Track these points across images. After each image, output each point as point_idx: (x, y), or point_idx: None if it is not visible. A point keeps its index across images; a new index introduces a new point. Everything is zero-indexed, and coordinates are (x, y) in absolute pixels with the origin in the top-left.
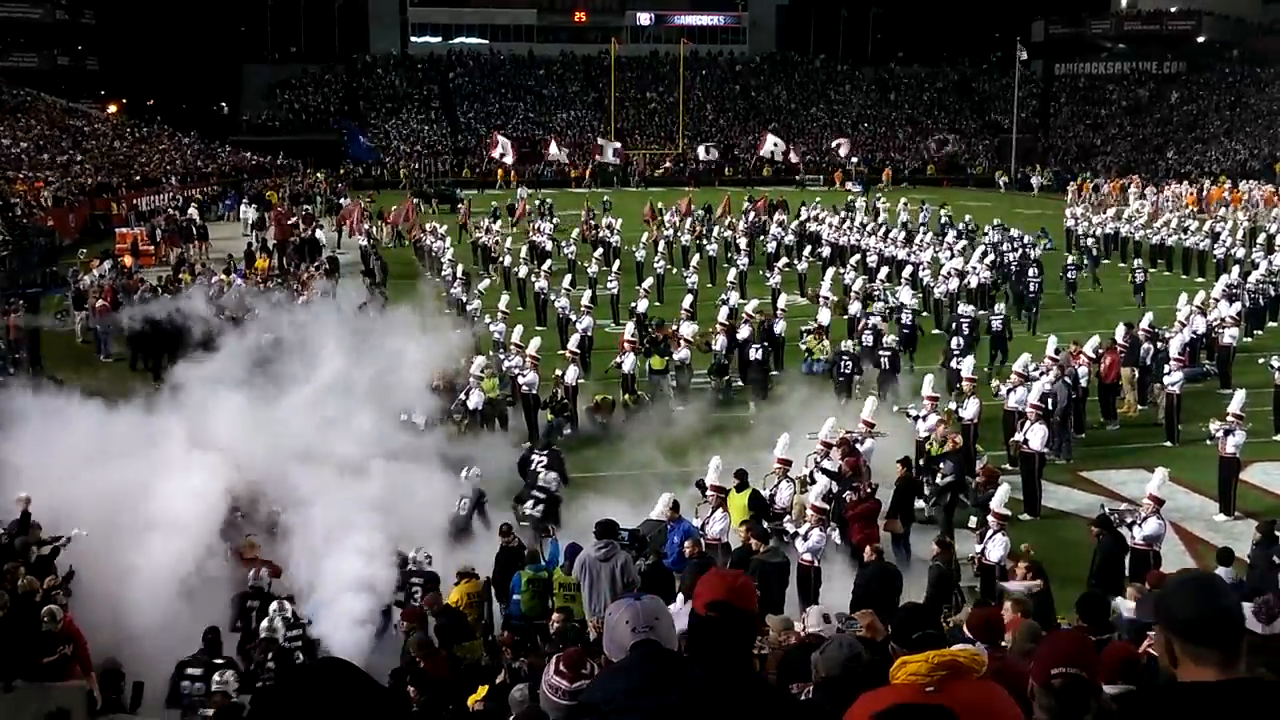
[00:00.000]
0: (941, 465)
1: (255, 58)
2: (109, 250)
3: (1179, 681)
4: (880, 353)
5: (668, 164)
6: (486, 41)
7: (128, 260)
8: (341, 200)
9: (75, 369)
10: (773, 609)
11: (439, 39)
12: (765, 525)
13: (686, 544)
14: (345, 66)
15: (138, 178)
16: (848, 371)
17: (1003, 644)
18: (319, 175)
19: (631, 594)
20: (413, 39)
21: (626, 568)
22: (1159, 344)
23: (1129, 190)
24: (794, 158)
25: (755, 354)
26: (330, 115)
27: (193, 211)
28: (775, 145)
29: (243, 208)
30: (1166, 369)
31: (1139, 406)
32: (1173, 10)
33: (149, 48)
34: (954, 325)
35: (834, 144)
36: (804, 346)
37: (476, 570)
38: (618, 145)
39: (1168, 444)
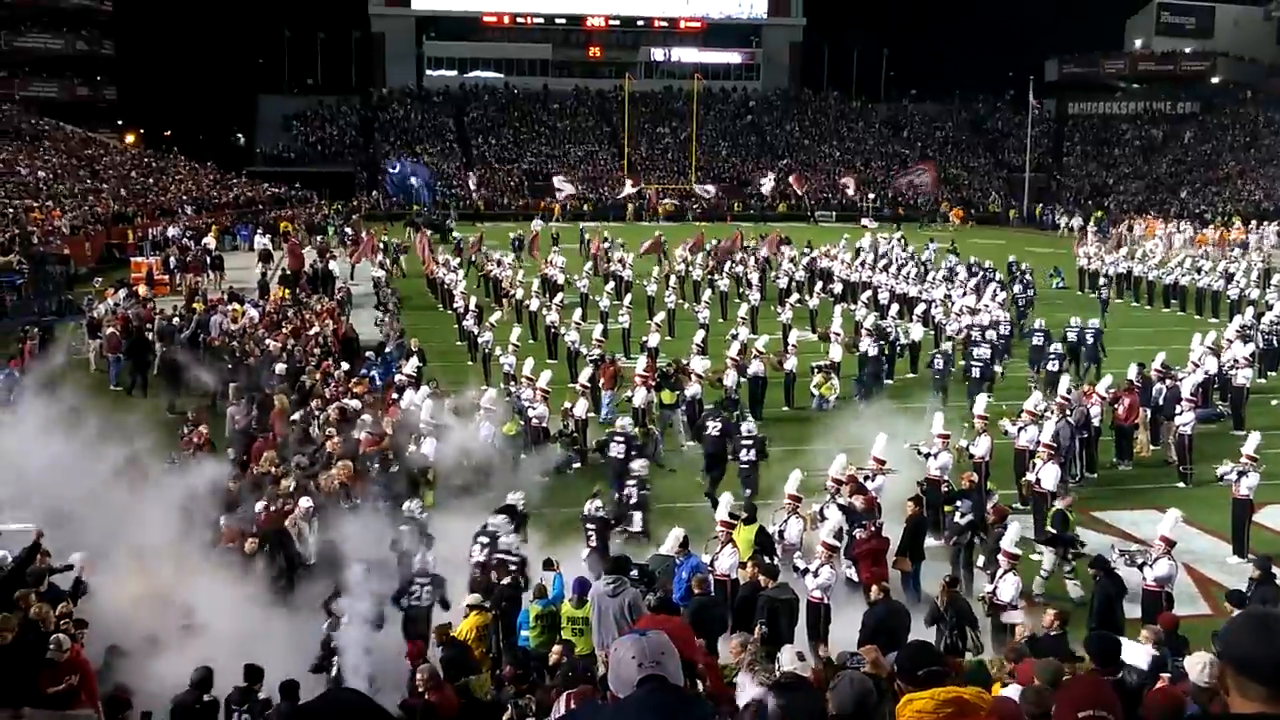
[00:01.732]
0: (959, 504)
1: (272, 89)
2: (124, 279)
3: (1228, 713)
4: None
5: (667, 201)
6: (502, 76)
7: (142, 289)
8: (345, 230)
9: (86, 397)
10: (782, 645)
11: (454, 73)
12: (774, 561)
13: (694, 580)
14: (361, 99)
15: (154, 208)
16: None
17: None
18: (336, 206)
19: (637, 630)
20: (428, 73)
21: (634, 605)
22: (1171, 384)
23: (1135, 230)
24: (799, 189)
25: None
26: (346, 148)
27: (208, 241)
28: (770, 182)
29: (257, 238)
30: (1179, 409)
31: (1151, 447)
32: (1187, 51)
33: (167, 79)
34: (965, 367)
35: (840, 182)
36: (813, 386)
37: (486, 603)
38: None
39: (1180, 485)
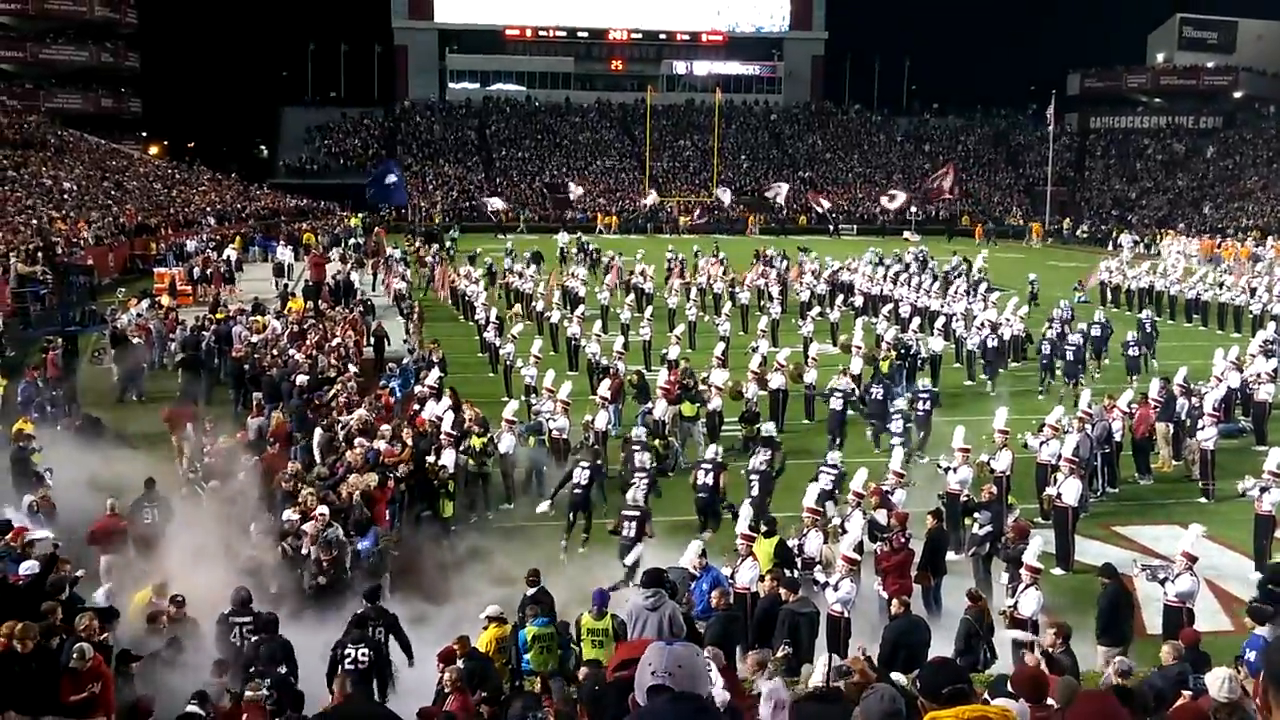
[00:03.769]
0: (978, 515)
1: (295, 101)
2: (147, 290)
3: None
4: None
5: (685, 215)
6: (524, 88)
7: (165, 300)
8: (358, 241)
9: (111, 407)
10: (802, 659)
11: (477, 85)
12: (794, 574)
13: (714, 594)
14: (384, 111)
15: (177, 219)
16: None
17: (1048, 702)
18: (357, 219)
19: (668, 639)
20: (451, 85)
21: (674, 617)
22: (1194, 399)
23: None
24: (825, 204)
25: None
26: (368, 160)
27: (230, 252)
28: (783, 191)
29: (279, 250)
30: (1201, 424)
31: (1174, 462)
32: (1210, 65)
33: (191, 91)
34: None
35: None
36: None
37: (505, 615)
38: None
39: (1202, 500)
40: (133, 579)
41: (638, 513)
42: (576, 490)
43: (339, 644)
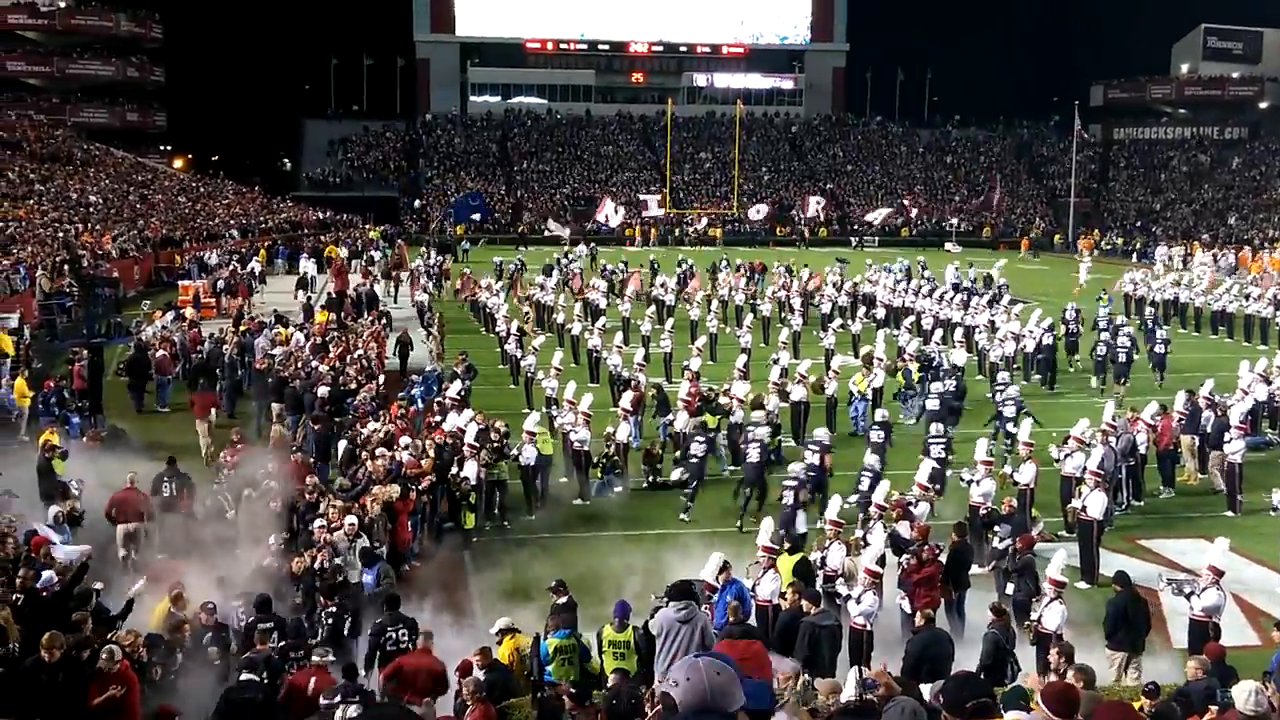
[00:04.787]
0: (999, 528)
1: (317, 115)
2: (171, 302)
3: None
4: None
5: (697, 227)
6: (545, 101)
7: (189, 312)
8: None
9: (134, 418)
10: (824, 672)
11: (498, 98)
12: (817, 588)
13: (729, 606)
14: (405, 124)
15: (202, 232)
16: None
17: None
18: (376, 231)
19: (700, 653)
20: (472, 98)
21: (706, 629)
22: (1219, 412)
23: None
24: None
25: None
26: (390, 173)
27: (254, 265)
28: (819, 204)
29: (302, 262)
30: (1227, 437)
31: (1199, 475)
32: (1235, 75)
33: (215, 104)
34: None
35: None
36: (851, 383)
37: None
38: (657, 198)
39: (1228, 513)
40: (151, 549)
41: (795, 482)
42: (749, 465)
43: (378, 627)
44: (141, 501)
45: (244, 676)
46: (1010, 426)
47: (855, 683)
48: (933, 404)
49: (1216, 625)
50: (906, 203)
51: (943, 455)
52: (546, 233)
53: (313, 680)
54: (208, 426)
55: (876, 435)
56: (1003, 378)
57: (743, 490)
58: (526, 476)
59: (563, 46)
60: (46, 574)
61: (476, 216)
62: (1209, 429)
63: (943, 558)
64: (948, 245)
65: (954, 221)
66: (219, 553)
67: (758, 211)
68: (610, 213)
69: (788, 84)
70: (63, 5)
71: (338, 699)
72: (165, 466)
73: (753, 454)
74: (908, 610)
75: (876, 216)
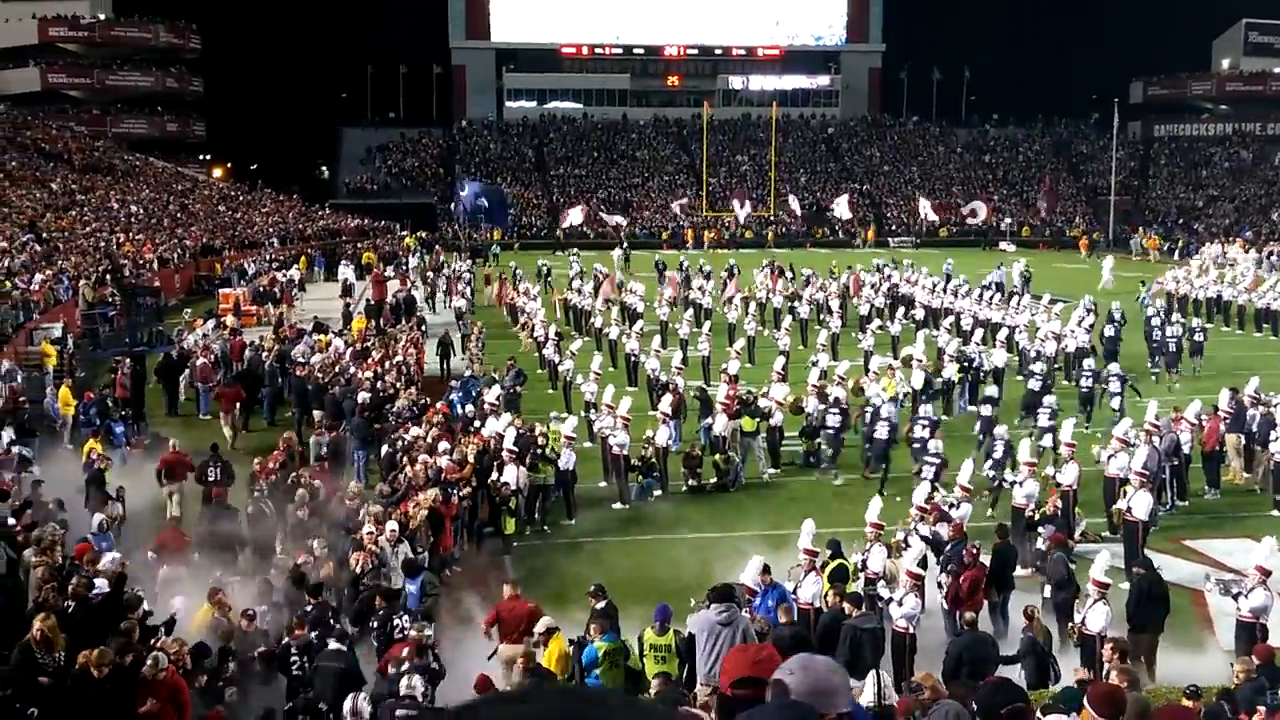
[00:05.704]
0: (1041, 530)
1: (354, 122)
2: (212, 310)
3: None
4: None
5: (715, 232)
6: (580, 106)
7: (230, 320)
8: (421, 258)
9: (176, 426)
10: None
11: (534, 104)
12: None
13: (780, 608)
14: (442, 131)
15: (241, 240)
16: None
17: None
18: (412, 238)
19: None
20: (508, 104)
21: (748, 631)
22: (1264, 410)
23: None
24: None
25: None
26: (428, 179)
27: (294, 272)
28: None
29: (341, 269)
30: (1273, 435)
31: (1245, 474)
32: (1277, 71)
33: (253, 114)
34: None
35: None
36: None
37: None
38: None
39: (1275, 513)
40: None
41: (938, 460)
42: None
43: (381, 618)
44: (185, 464)
45: (331, 645)
46: (1046, 421)
47: (873, 688)
48: (985, 410)
49: (1264, 626)
50: (980, 204)
51: (1000, 458)
52: (593, 230)
53: (404, 651)
54: (231, 419)
55: (921, 430)
56: (1089, 364)
57: (877, 465)
58: (567, 481)
59: (598, 51)
60: (99, 582)
61: (482, 216)
62: (1254, 428)
63: (985, 559)
64: (1002, 244)
65: (1008, 221)
66: (258, 560)
67: (744, 209)
68: (575, 220)
69: (824, 85)
70: (103, 18)
71: (404, 668)
72: (209, 453)
73: (881, 431)
74: (945, 609)
75: (839, 205)
